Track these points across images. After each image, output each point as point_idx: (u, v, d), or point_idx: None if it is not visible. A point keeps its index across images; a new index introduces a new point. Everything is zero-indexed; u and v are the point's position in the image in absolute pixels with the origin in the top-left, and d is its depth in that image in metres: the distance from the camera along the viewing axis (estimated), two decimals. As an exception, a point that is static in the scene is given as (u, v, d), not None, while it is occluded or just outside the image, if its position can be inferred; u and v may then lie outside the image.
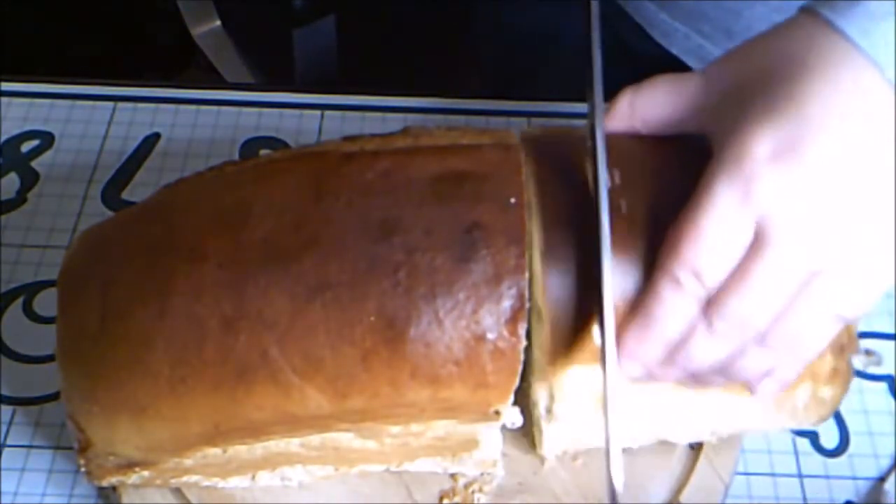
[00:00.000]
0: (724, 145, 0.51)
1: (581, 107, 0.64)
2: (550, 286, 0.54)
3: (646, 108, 0.57)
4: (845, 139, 0.50)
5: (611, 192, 0.54)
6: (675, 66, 0.84)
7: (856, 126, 0.50)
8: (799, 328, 0.52)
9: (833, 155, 0.50)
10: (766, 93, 0.51)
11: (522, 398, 0.58)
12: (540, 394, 0.58)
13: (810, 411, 0.60)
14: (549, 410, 0.58)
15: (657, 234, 0.53)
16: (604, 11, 0.81)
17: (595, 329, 0.54)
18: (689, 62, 0.84)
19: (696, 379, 0.55)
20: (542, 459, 0.62)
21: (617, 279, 0.53)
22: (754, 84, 0.52)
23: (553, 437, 0.60)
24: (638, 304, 0.53)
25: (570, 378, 0.56)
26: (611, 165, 0.54)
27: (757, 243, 0.50)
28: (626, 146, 0.57)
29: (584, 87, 0.57)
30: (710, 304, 0.51)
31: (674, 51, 0.85)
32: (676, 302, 0.51)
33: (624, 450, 0.60)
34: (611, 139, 0.56)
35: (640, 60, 0.87)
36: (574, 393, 0.57)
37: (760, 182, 0.50)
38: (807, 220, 0.50)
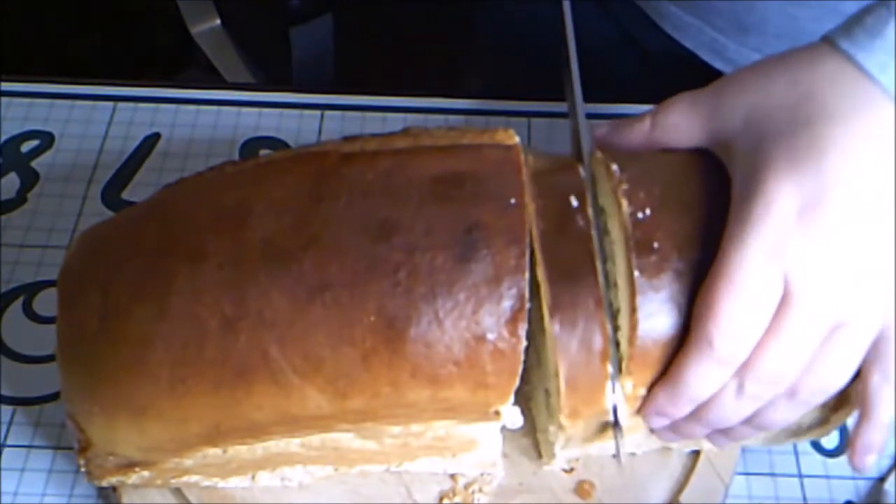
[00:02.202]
0: (748, 197, 0.51)
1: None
2: (562, 343, 0.54)
3: (664, 132, 0.57)
4: (864, 189, 0.51)
5: (641, 225, 0.54)
6: (687, 60, 0.84)
7: (875, 173, 0.51)
8: (828, 380, 0.52)
9: (853, 206, 0.50)
10: (789, 140, 0.51)
11: (523, 399, 0.58)
12: (557, 436, 0.58)
13: (812, 432, 0.60)
14: (564, 444, 0.59)
15: (687, 271, 0.53)
16: (614, 7, 0.82)
17: (607, 392, 0.55)
18: (703, 56, 0.84)
19: (724, 433, 0.56)
20: (545, 463, 0.63)
21: (648, 319, 0.53)
22: (776, 124, 0.52)
23: (563, 457, 0.61)
24: (671, 367, 0.53)
25: (587, 424, 0.57)
26: (638, 191, 0.55)
27: (784, 301, 0.51)
28: (649, 165, 0.57)
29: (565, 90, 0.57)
30: (741, 366, 0.52)
31: (687, 44, 0.84)
32: (710, 369, 0.52)
33: (626, 454, 0.60)
34: (636, 158, 0.57)
35: (651, 56, 0.87)
36: (590, 432, 0.58)
37: (788, 240, 0.50)
38: (831, 275, 0.50)
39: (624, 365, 0.54)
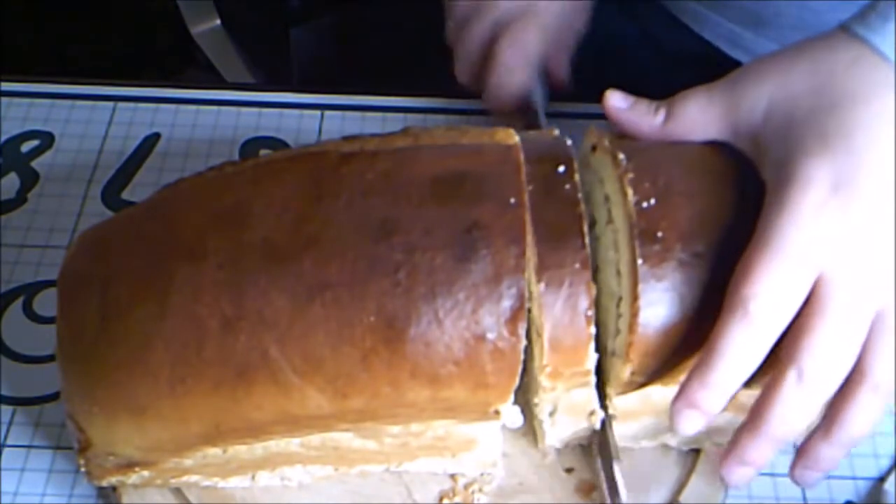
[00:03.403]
0: (784, 180, 0.52)
1: (581, 107, 0.64)
2: (547, 303, 0.54)
3: (678, 125, 0.57)
4: (889, 167, 0.52)
5: (646, 214, 0.54)
6: (707, 56, 0.84)
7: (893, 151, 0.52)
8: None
9: (881, 185, 0.51)
10: (818, 124, 0.53)
11: (522, 398, 0.58)
12: (543, 406, 0.58)
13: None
14: (551, 416, 0.59)
15: (690, 262, 0.53)
16: (634, 5, 0.82)
17: (590, 353, 0.55)
18: (724, 48, 0.84)
19: (812, 465, 0.55)
20: (543, 455, 0.62)
21: (649, 307, 0.53)
22: (801, 110, 0.53)
23: (554, 435, 0.61)
24: (704, 349, 0.52)
25: (570, 395, 0.57)
26: (643, 180, 0.55)
27: (826, 279, 0.51)
28: (656, 156, 0.57)
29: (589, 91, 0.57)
30: (795, 350, 0.51)
31: (706, 36, 0.85)
32: (743, 335, 0.51)
33: (625, 449, 0.60)
34: (642, 147, 0.57)
35: (672, 53, 0.88)
36: (575, 404, 0.58)
37: (825, 218, 0.51)
38: (868, 253, 0.51)
39: (623, 352, 0.54)
